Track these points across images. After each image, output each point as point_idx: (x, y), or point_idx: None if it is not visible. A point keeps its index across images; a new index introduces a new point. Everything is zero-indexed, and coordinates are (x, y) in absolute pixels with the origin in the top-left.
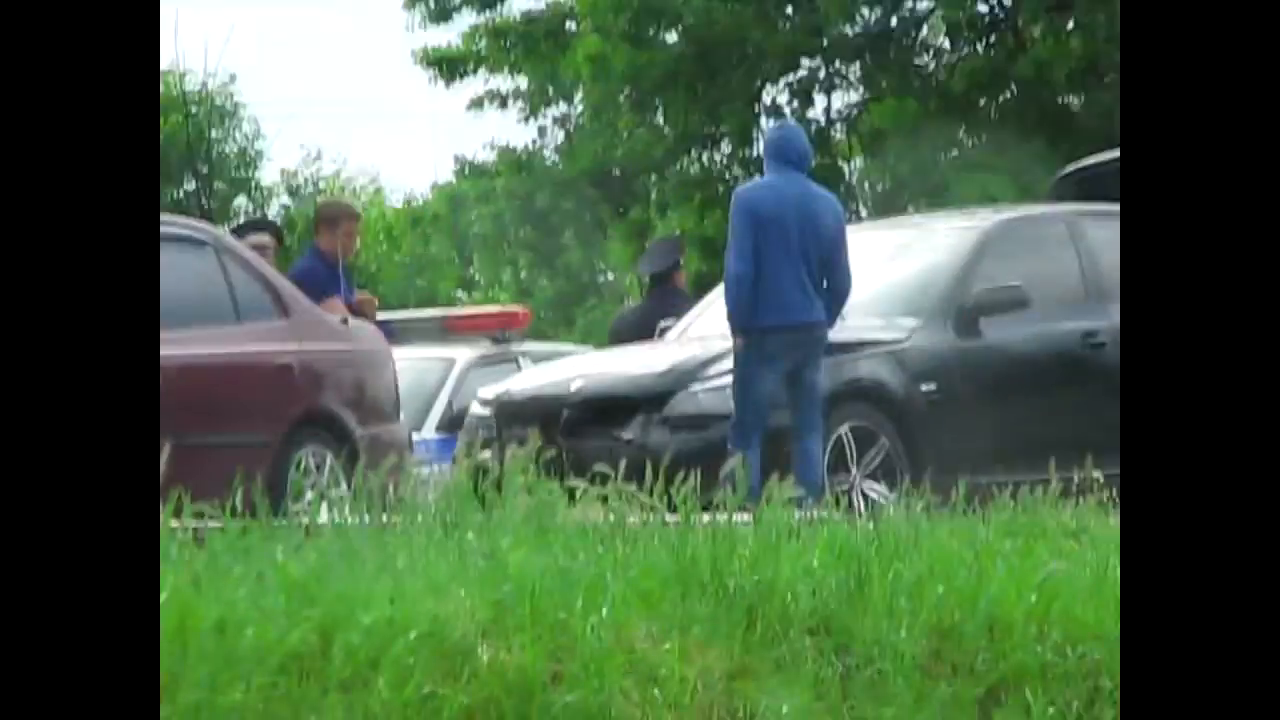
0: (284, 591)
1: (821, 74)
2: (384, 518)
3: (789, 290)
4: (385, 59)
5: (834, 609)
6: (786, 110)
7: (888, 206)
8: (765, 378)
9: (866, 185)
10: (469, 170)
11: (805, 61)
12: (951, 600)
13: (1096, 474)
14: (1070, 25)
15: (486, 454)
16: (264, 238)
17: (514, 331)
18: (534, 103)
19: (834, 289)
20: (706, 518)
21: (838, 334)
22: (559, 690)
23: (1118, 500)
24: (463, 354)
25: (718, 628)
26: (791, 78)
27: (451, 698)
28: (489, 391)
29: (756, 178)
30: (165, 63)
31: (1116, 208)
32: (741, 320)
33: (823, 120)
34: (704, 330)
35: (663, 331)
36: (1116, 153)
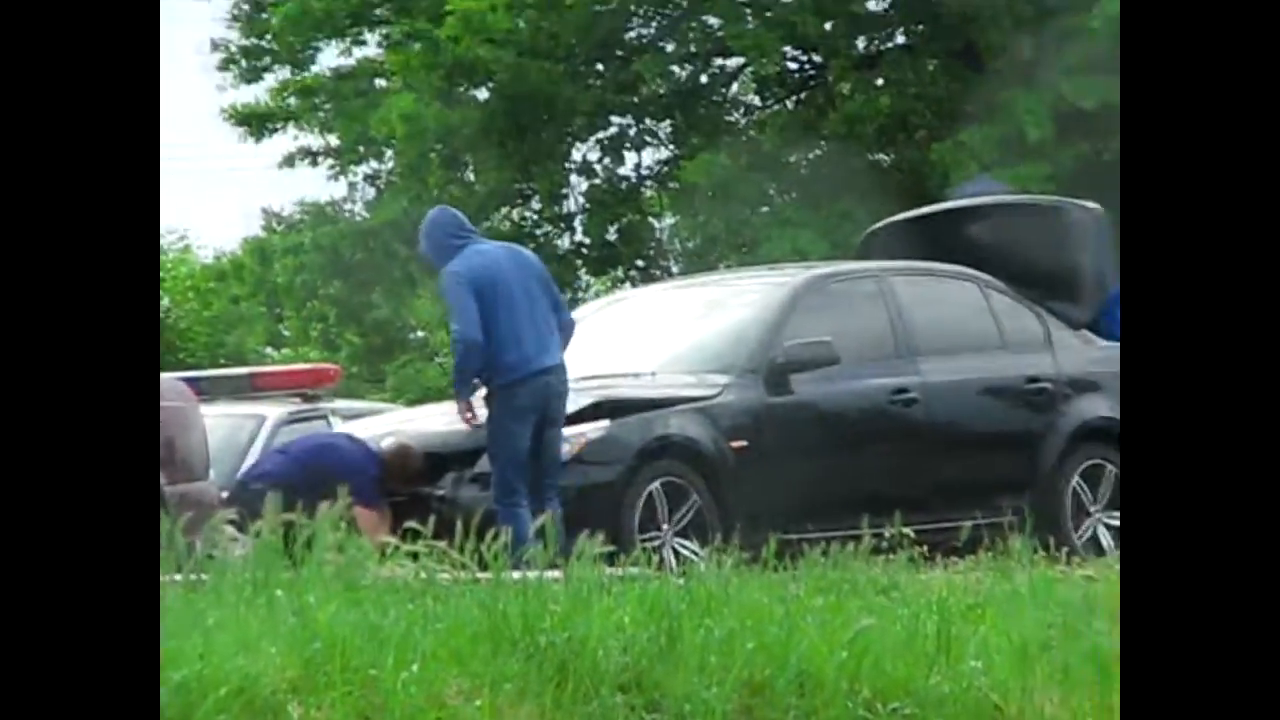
0: None
1: (632, 131)
2: (191, 575)
3: (528, 341)
4: (192, 115)
5: (645, 665)
6: (597, 167)
7: (698, 263)
8: (519, 432)
9: (677, 242)
10: (277, 223)
11: (615, 118)
12: (762, 656)
13: (907, 529)
14: (880, 82)
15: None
16: None
17: (324, 388)
18: (345, 159)
19: (564, 327)
20: (517, 575)
21: (648, 390)
22: None
23: (927, 555)
24: (272, 411)
25: (529, 684)
26: (602, 134)
27: None
28: None
29: (568, 233)
30: None
31: (926, 265)
32: (486, 379)
33: (633, 177)
34: None
35: None
36: (924, 210)
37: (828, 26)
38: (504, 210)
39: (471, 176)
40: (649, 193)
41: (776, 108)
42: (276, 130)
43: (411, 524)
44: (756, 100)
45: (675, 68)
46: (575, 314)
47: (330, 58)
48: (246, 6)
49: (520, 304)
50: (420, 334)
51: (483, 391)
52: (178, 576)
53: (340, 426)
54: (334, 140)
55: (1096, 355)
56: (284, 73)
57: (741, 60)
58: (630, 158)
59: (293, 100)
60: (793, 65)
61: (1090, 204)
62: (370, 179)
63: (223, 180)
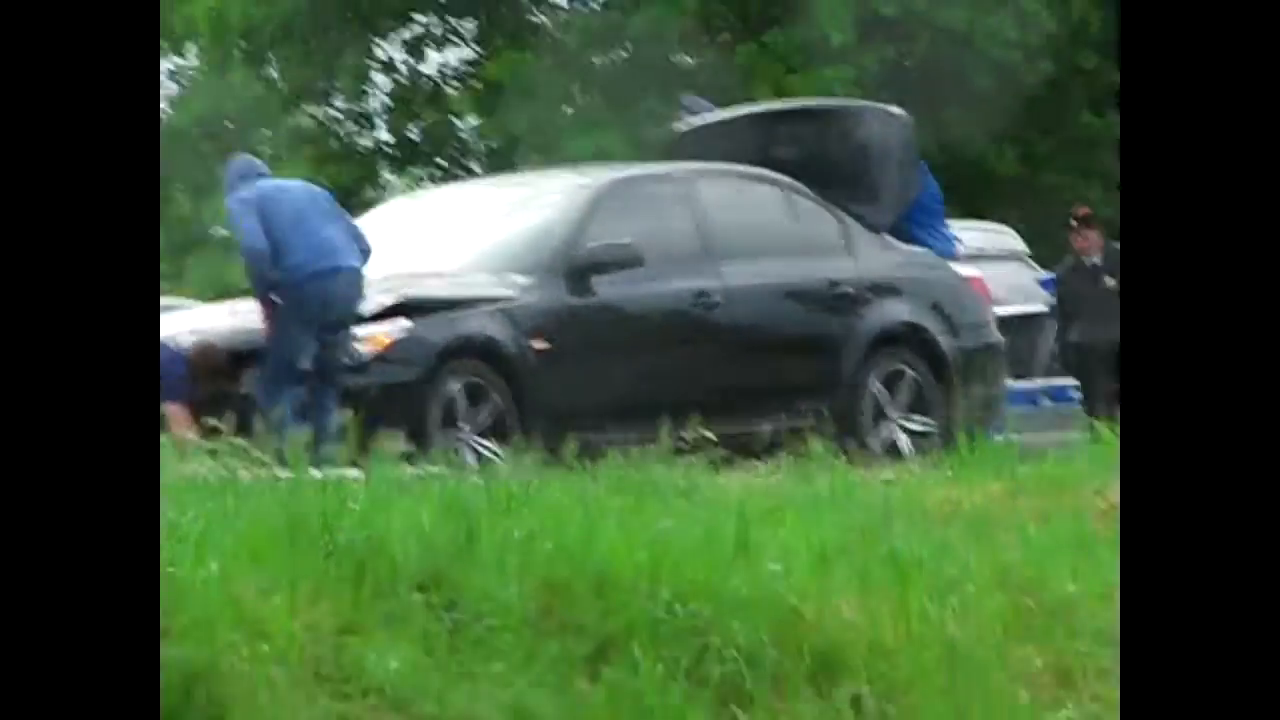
0: None
1: (437, 29)
2: None
3: (313, 247)
4: None
5: (444, 565)
6: (400, 65)
7: (501, 164)
8: (297, 334)
9: (480, 142)
10: None
11: (419, 17)
12: (562, 557)
13: (707, 432)
14: None
15: None
16: None
17: None
18: None
19: (364, 254)
20: (318, 473)
21: (448, 289)
22: (166, 645)
23: (727, 458)
24: None
25: (326, 582)
26: (405, 33)
27: None
28: None
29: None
30: None
31: (728, 167)
32: (275, 283)
33: (437, 76)
34: None
35: None
36: (733, 111)
37: None
38: (306, 107)
39: (275, 74)
40: (452, 92)
41: (582, 9)
42: None
43: (213, 421)
44: (562, 1)
45: None
46: (377, 210)
47: None
48: None
49: (309, 218)
50: (221, 231)
51: None
52: None
53: None
54: None
55: (898, 260)
56: None
57: None
58: (434, 56)
59: None
60: None
61: (894, 109)
62: (172, 75)
63: None
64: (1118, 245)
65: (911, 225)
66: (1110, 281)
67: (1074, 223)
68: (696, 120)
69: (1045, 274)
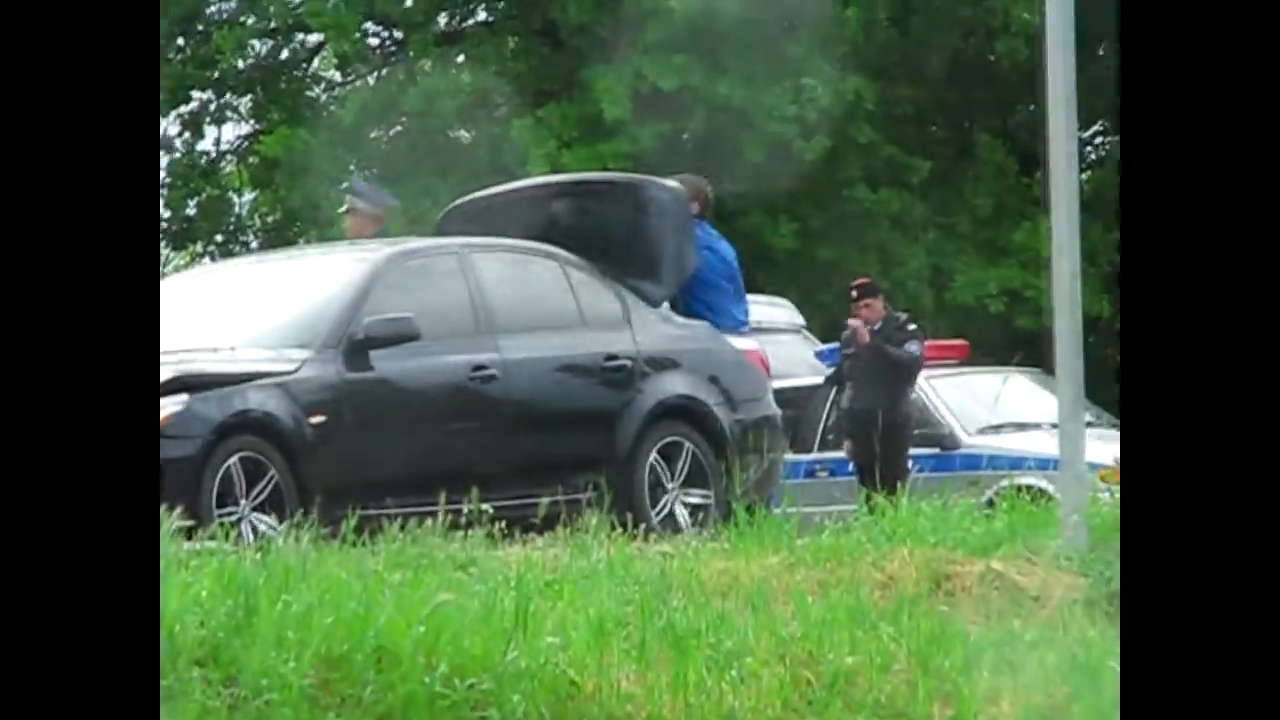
0: None
1: (212, 105)
2: None
3: None
4: None
5: (222, 639)
6: (177, 142)
7: (278, 238)
8: None
9: (256, 217)
10: None
11: (196, 93)
12: (340, 630)
13: (485, 506)
14: (460, 59)
15: None
16: None
17: None
18: None
19: None
20: None
21: (227, 365)
22: None
23: (505, 531)
24: None
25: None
26: (183, 110)
27: None
28: None
29: None
30: None
31: (506, 241)
32: None
33: (213, 152)
34: None
35: None
36: (503, 187)
37: (409, 3)
38: None
39: None
40: (229, 168)
41: (357, 83)
42: None
43: None
44: (337, 76)
45: (255, 43)
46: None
47: None
48: None
49: None
50: None
51: None
52: None
53: None
54: None
55: (676, 333)
56: None
57: (322, 36)
58: (210, 132)
59: None
60: (373, 41)
61: (670, 182)
62: None
63: None
64: (900, 315)
65: (690, 299)
66: (891, 350)
67: (854, 293)
68: (365, 206)
69: (822, 346)
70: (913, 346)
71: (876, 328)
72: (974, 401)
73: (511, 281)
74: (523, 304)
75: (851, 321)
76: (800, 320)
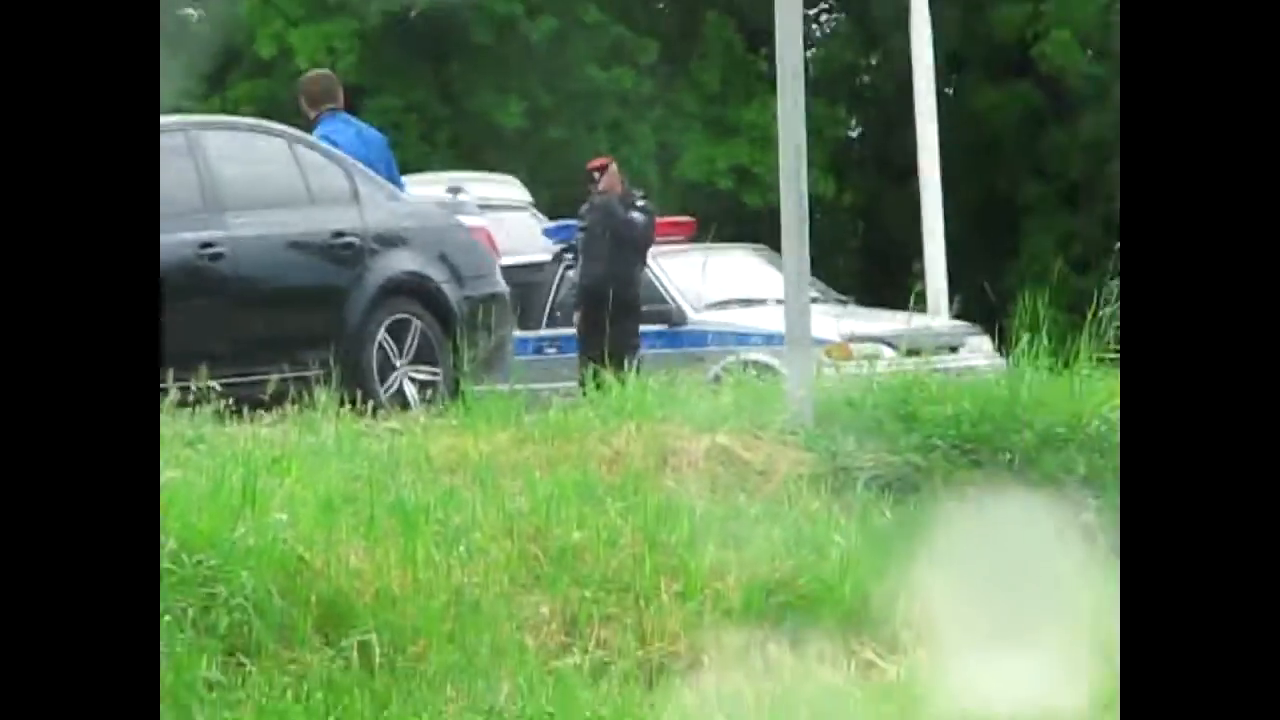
0: None
1: None
2: None
3: None
4: None
5: None
6: None
7: None
8: None
9: None
10: None
11: None
12: None
13: (213, 383)
14: None
15: None
16: None
17: None
18: None
19: None
20: None
21: None
22: None
23: (233, 408)
24: None
25: None
26: None
27: None
28: None
29: None
30: None
31: (231, 119)
32: None
33: None
34: None
35: None
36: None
37: None
38: None
39: None
40: None
41: None
42: None
43: None
44: None
45: None
46: None
47: None
48: None
49: None
50: None
51: None
52: None
53: None
54: None
55: (404, 211)
56: None
57: None
58: None
59: None
60: None
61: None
62: None
63: None
64: (634, 191)
65: None
66: (626, 214)
67: (595, 174)
68: None
69: (550, 224)
70: (641, 216)
71: (614, 198)
72: (701, 278)
73: (239, 159)
74: (250, 181)
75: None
76: (528, 198)
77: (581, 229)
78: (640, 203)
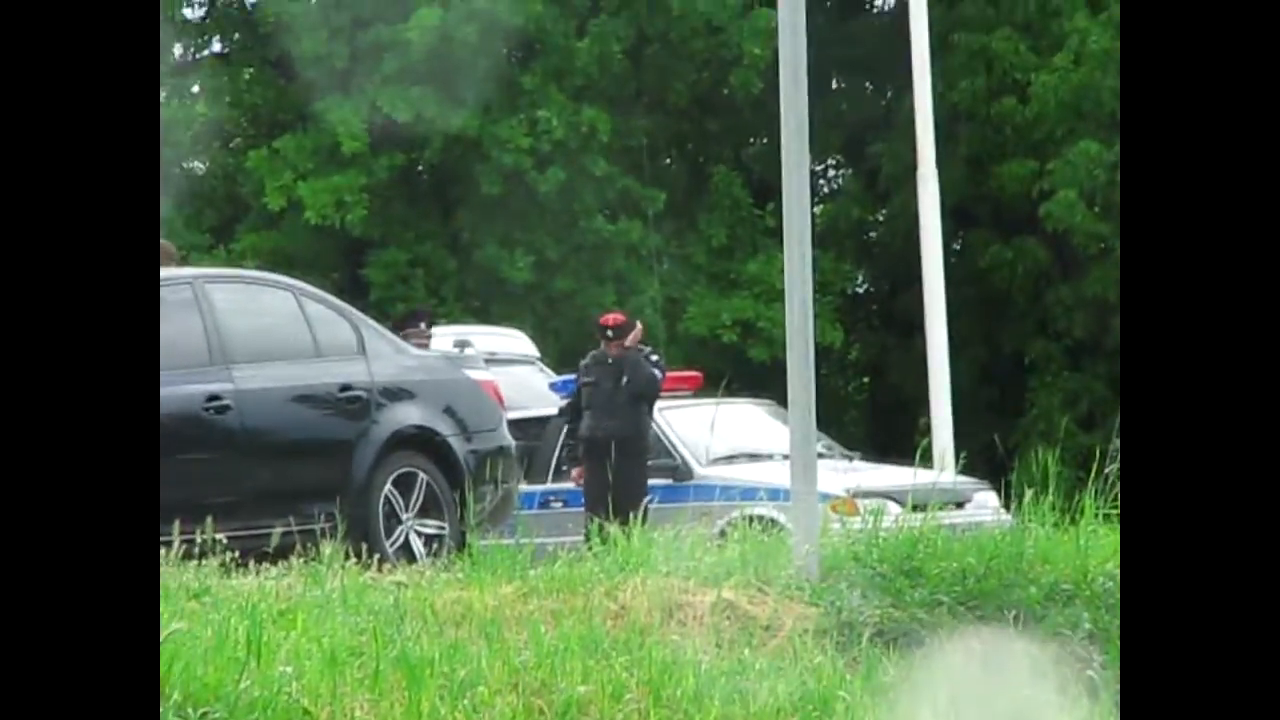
0: None
1: None
2: None
3: None
4: None
5: None
6: None
7: None
8: None
9: None
10: None
11: None
12: None
13: (219, 535)
14: (195, 89)
15: None
16: None
17: None
18: None
19: None
20: None
21: None
22: None
23: (239, 561)
24: None
25: None
26: None
27: None
28: None
29: None
30: None
31: (238, 271)
32: None
33: None
34: None
35: None
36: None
37: None
38: None
39: None
40: None
41: None
42: None
43: None
44: None
45: None
46: None
47: None
48: None
49: None
50: None
51: None
52: None
53: None
54: None
55: (410, 364)
56: None
57: None
58: None
59: None
60: None
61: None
62: None
63: None
64: (645, 346)
65: None
66: (624, 380)
67: (610, 332)
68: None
69: (556, 378)
70: (655, 370)
71: (616, 360)
72: (707, 432)
73: (245, 312)
74: (257, 334)
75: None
76: (535, 351)
77: (586, 383)
78: (653, 357)
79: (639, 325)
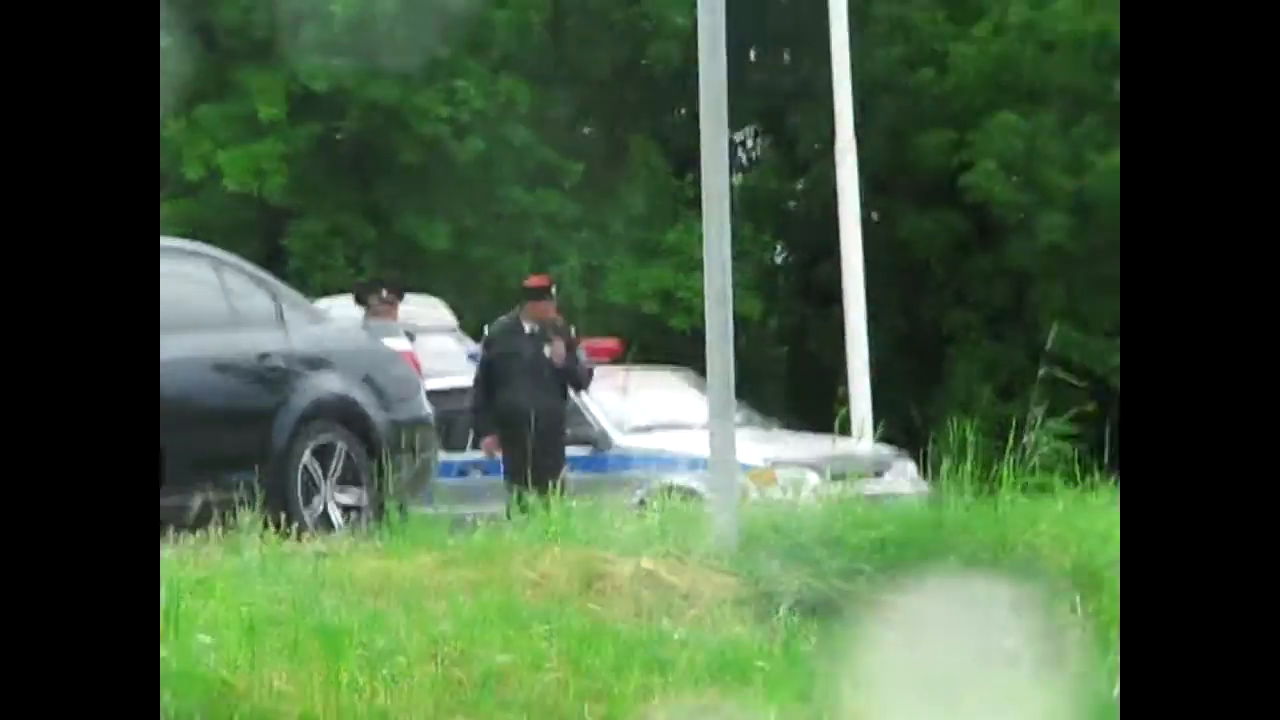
0: None
1: None
2: None
3: None
4: None
5: None
6: None
7: None
8: None
9: None
10: None
11: None
12: None
13: None
14: None
15: None
16: None
17: None
18: None
19: None
20: None
21: None
22: None
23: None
24: None
25: None
26: None
27: None
28: None
29: None
30: None
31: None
32: None
33: None
34: None
35: None
36: None
37: None
38: None
39: None
40: None
41: None
42: None
43: None
44: None
45: None
46: None
47: None
48: None
49: None
50: None
51: None
52: None
53: None
54: None
55: (329, 333)
56: None
57: None
58: None
59: None
60: None
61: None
62: None
63: None
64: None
65: None
66: (547, 349)
67: (532, 294)
68: None
69: (475, 347)
70: (583, 357)
71: (537, 330)
72: (626, 401)
73: (163, 280)
74: (174, 303)
75: (556, 347)
76: (453, 320)
77: (501, 353)
78: (571, 333)
79: (553, 300)
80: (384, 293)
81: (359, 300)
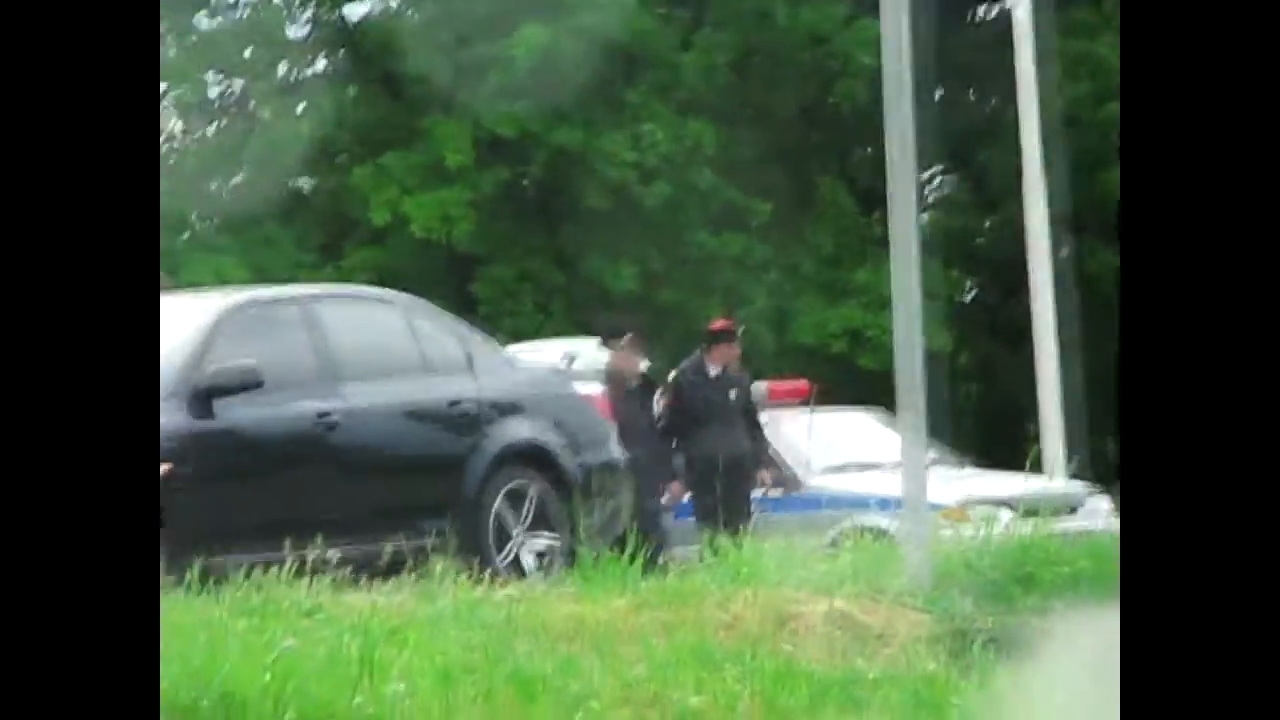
0: None
1: None
2: None
3: None
4: None
5: None
6: None
7: None
8: None
9: None
10: None
11: None
12: (186, 679)
13: (330, 552)
14: (301, 108)
15: None
16: None
17: None
18: None
19: None
20: None
21: None
22: None
23: (351, 577)
24: None
25: None
26: None
27: None
28: None
29: None
30: None
31: (348, 288)
32: None
33: None
34: None
35: None
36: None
37: (248, 53)
38: None
39: None
40: None
41: (198, 133)
42: None
43: None
44: (179, 125)
45: None
46: None
47: None
48: None
49: None
50: None
51: None
52: None
53: None
54: None
55: (519, 378)
56: None
57: (166, 85)
58: None
59: None
60: (214, 91)
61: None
62: None
63: None
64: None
65: None
66: (733, 394)
67: (717, 332)
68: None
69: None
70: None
71: (721, 373)
72: (817, 442)
73: (353, 328)
74: (365, 350)
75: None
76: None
77: (695, 397)
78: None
79: (736, 340)
80: (628, 336)
81: (605, 343)
